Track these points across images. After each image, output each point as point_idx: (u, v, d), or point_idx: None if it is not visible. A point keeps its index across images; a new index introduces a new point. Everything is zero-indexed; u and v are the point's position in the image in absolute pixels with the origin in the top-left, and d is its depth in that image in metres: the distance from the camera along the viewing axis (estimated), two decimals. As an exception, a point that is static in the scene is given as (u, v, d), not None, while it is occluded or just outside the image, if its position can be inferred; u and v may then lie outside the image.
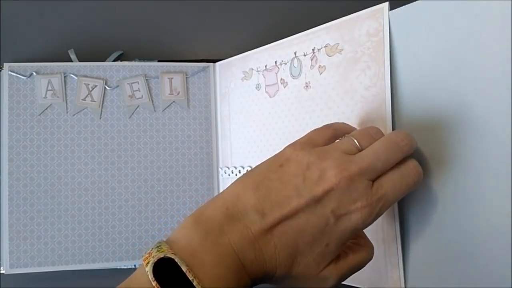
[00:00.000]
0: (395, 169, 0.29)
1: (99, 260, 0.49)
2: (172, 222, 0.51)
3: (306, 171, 0.28)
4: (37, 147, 0.49)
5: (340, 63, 0.39)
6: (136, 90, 0.52)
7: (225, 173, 0.51)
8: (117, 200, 0.50)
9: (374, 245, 0.34)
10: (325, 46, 0.40)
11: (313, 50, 0.42)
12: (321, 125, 0.33)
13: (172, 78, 0.52)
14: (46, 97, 0.50)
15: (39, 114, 0.50)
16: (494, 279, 0.28)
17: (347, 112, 0.38)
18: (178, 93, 0.52)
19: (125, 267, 0.51)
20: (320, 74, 0.41)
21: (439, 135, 0.31)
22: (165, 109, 0.52)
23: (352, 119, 0.38)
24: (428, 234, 0.32)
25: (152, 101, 0.52)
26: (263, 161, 0.30)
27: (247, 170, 0.48)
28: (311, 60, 0.42)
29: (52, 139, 0.50)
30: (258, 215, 0.27)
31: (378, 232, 0.35)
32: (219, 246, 0.26)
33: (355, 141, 0.29)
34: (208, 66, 0.54)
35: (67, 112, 0.50)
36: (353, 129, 0.33)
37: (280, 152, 0.30)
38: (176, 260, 0.25)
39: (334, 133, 0.32)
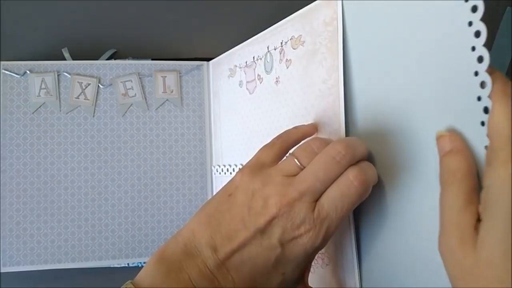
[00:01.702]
0: (334, 186, 0.28)
1: (92, 259, 0.49)
2: (165, 221, 0.51)
3: (251, 200, 0.28)
4: (30, 145, 0.49)
5: (303, 56, 0.37)
6: (129, 89, 0.52)
7: (217, 171, 0.51)
8: (110, 198, 0.50)
9: (332, 251, 0.34)
10: (290, 39, 0.39)
11: (281, 43, 0.40)
12: (290, 122, 0.34)
13: (165, 77, 0.52)
14: (40, 96, 0.50)
15: (33, 113, 0.50)
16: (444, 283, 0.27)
17: (309, 108, 0.36)
18: (172, 92, 0.52)
19: (118, 266, 0.51)
20: (287, 68, 0.39)
21: (393, 133, 0.29)
22: (158, 107, 0.52)
23: (312, 115, 0.36)
24: (382, 240, 0.31)
25: (146, 99, 0.52)
26: (218, 190, 0.31)
27: (234, 170, 0.48)
28: (280, 54, 0.40)
29: (45, 137, 0.50)
30: (211, 251, 0.28)
31: (336, 237, 0.33)
32: (180, 283, 0.27)
33: (296, 160, 0.29)
34: (201, 65, 0.54)
35: (60, 111, 0.50)
36: (305, 133, 0.33)
37: (231, 179, 0.31)
38: None
39: (283, 145, 0.32)
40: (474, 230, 0.22)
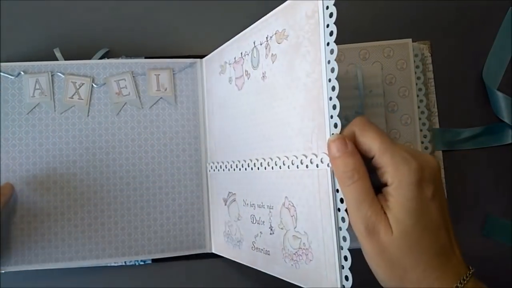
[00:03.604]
0: None
1: (89, 258, 0.49)
2: (161, 218, 0.51)
3: None
4: (26, 145, 0.50)
5: (287, 50, 0.37)
6: (123, 87, 0.52)
7: (211, 168, 0.51)
8: (106, 197, 0.50)
9: (316, 246, 0.34)
10: (275, 33, 0.38)
11: (266, 38, 0.40)
12: (277, 117, 0.37)
13: (159, 75, 0.52)
14: (34, 96, 0.50)
15: (27, 113, 0.50)
16: None
17: (294, 102, 0.36)
18: (165, 89, 0.52)
19: (116, 264, 0.52)
20: (273, 63, 0.39)
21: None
22: (152, 105, 0.52)
23: (298, 110, 0.36)
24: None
25: (140, 97, 0.52)
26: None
27: (227, 166, 0.47)
28: (266, 49, 0.40)
29: (41, 137, 0.50)
30: None
31: (319, 233, 0.34)
32: None
33: None
34: (195, 62, 0.53)
35: (55, 111, 0.50)
36: None
37: None
38: None
39: None
40: (380, 216, 0.29)
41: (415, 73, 0.50)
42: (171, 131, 0.52)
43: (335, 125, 0.31)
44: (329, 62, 0.31)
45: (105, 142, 0.51)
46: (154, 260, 0.52)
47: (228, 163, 0.47)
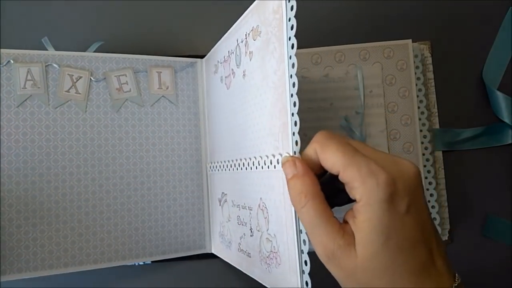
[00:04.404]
0: None
1: (86, 262, 0.46)
2: (163, 219, 0.50)
3: None
4: (15, 142, 0.45)
5: (260, 47, 0.35)
6: (124, 83, 0.49)
7: (209, 168, 0.51)
8: (105, 198, 0.48)
9: (283, 250, 0.33)
10: (251, 30, 0.37)
11: (245, 35, 0.38)
12: (256, 115, 0.36)
13: (160, 72, 0.51)
14: (26, 88, 0.45)
15: (17, 106, 0.45)
16: None
17: (265, 101, 0.35)
18: (167, 88, 0.51)
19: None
20: (250, 60, 0.37)
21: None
22: (154, 103, 0.51)
23: (269, 108, 0.34)
24: None
25: (141, 95, 0.50)
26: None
27: (226, 166, 0.46)
28: (245, 46, 0.39)
29: (33, 133, 0.46)
30: None
31: (284, 236, 0.32)
32: None
33: None
34: (195, 62, 0.53)
35: (49, 104, 0.46)
36: None
37: None
38: None
39: None
40: (338, 241, 0.27)
41: (415, 73, 0.51)
42: (172, 130, 0.51)
43: (295, 123, 0.30)
44: (290, 57, 0.30)
45: (104, 140, 0.48)
46: (153, 261, 0.50)
47: (222, 163, 0.47)
